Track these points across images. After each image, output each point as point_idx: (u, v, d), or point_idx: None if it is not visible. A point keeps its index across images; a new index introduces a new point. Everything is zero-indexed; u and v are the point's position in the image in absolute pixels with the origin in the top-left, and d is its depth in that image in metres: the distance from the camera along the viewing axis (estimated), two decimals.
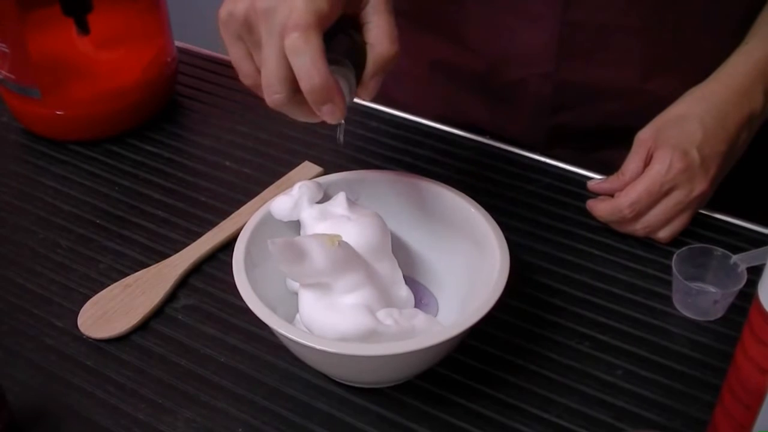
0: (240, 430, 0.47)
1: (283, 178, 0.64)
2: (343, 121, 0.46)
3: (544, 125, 0.70)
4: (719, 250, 0.54)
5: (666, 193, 0.56)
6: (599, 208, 0.58)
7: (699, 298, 0.53)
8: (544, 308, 0.54)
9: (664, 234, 0.57)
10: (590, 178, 0.62)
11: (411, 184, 0.54)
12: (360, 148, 0.67)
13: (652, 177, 0.56)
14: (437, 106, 0.72)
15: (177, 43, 0.75)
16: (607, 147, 0.69)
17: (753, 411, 0.38)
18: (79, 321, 0.53)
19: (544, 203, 0.62)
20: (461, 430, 0.47)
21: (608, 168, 0.61)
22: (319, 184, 0.52)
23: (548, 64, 0.66)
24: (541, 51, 0.65)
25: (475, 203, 0.51)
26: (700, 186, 0.56)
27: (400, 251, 0.52)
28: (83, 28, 0.66)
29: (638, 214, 0.57)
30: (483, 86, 0.71)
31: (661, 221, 0.57)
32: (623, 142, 0.60)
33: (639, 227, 0.57)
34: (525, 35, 0.65)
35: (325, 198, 0.52)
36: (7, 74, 0.66)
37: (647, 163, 0.57)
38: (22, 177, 0.66)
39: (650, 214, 0.57)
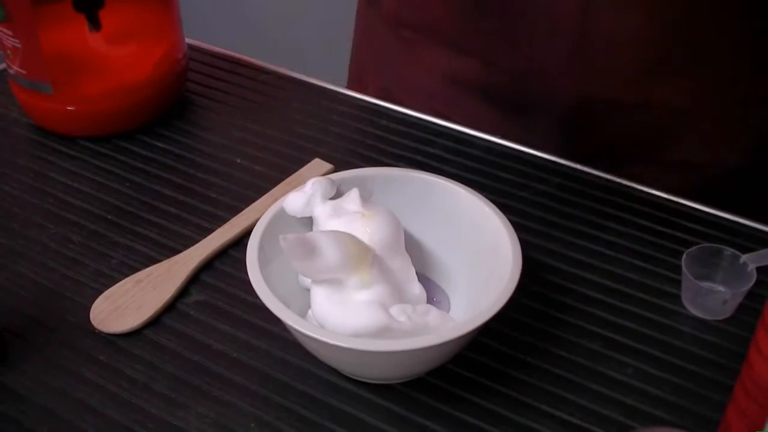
0: (252, 425, 0.47)
1: (294, 175, 0.64)
2: None
3: (569, 139, 0.69)
4: (729, 250, 0.54)
5: None
6: None
7: (709, 297, 0.53)
8: (555, 307, 0.54)
9: None
10: (601, 179, 0.62)
11: (423, 181, 0.54)
12: (371, 146, 0.68)
13: None
14: (455, 121, 0.72)
15: (188, 40, 0.75)
16: (636, 161, 0.69)
17: (766, 409, 0.38)
18: (92, 316, 0.53)
19: (554, 202, 0.62)
20: (473, 427, 0.47)
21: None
22: (332, 181, 0.52)
23: (567, 76, 0.65)
24: (559, 62, 0.65)
25: (488, 201, 0.52)
26: None
27: (412, 248, 0.52)
28: (95, 24, 0.66)
29: None
30: (504, 102, 0.70)
31: None
32: (651, 156, 0.60)
33: None
34: (542, 46, 0.65)
35: (338, 195, 0.53)
36: (19, 69, 0.66)
37: None
38: (32, 172, 0.66)
39: None
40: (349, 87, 0.77)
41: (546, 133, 0.70)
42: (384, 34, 0.77)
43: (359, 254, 0.47)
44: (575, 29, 0.63)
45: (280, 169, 0.65)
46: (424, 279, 0.53)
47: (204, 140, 0.69)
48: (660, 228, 0.60)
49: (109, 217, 0.61)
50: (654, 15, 0.62)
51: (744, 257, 0.53)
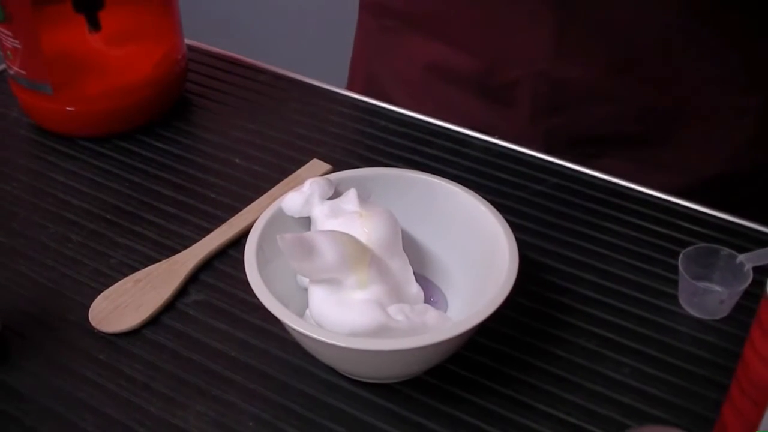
0: (251, 423, 0.48)
1: (292, 176, 0.64)
2: None
3: (541, 128, 0.70)
4: (725, 250, 0.54)
5: None
6: None
7: (705, 297, 0.53)
8: (552, 306, 0.54)
9: None
10: (598, 179, 0.62)
11: (421, 181, 0.54)
12: (369, 147, 0.68)
13: None
14: (433, 108, 0.73)
15: (187, 41, 0.75)
16: (605, 155, 0.70)
17: (761, 407, 0.39)
18: (91, 315, 0.53)
19: (552, 203, 0.62)
20: (470, 426, 0.47)
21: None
22: (330, 181, 0.53)
23: (544, 62, 0.66)
24: (537, 49, 0.65)
25: (485, 201, 0.52)
26: None
27: (410, 248, 0.52)
28: (94, 25, 0.66)
29: None
30: (479, 87, 0.71)
31: None
32: (621, 150, 0.60)
33: None
34: (521, 33, 0.65)
35: (336, 195, 0.53)
36: (19, 70, 0.66)
37: None
38: (32, 172, 0.66)
39: None
40: (348, 86, 0.78)
41: (524, 123, 0.70)
42: (367, 22, 0.78)
43: (357, 254, 0.47)
44: (552, 12, 0.63)
45: (278, 170, 0.65)
46: (421, 279, 0.53)
47: (203, 140, 0.69)
48: (657, 228, 0.60)
49: (109, 216, 0.61)
50: (651, 13, 0.62)
51: (740, 257, 0.53)
